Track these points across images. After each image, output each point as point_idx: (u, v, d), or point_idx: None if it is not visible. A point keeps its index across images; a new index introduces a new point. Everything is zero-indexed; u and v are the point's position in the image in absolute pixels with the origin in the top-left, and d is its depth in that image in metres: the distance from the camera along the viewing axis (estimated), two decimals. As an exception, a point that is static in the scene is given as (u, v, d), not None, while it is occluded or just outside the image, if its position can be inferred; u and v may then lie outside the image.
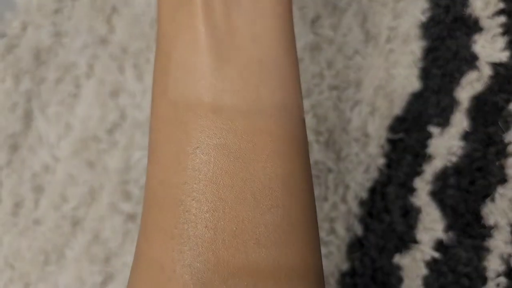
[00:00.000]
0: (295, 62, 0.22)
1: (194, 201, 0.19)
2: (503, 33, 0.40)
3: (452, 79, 0.40)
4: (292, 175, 0.20)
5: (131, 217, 0.41)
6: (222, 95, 0.20)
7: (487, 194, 0.37)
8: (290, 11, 0.23)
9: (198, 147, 0.19)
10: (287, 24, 0.22)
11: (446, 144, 0.38)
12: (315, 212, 0.21)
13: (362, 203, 0.38)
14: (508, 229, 0.37)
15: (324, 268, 0.38)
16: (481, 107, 0.39)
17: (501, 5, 0.40)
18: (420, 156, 0.39)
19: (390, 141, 0.39)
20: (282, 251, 0.19)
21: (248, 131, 0.20)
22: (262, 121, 0.20)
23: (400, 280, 0.37)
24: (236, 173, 0.19)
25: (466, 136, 0.38)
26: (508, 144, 0.38)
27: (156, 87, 0.22)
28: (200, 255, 0.18)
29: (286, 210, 0.19)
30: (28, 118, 0.45)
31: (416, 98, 0.40)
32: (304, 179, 0.21)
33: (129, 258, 0.41)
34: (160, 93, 0.21)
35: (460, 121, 0.39)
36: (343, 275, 0.37)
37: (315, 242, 0.21)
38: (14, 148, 0.44)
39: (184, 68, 0.21)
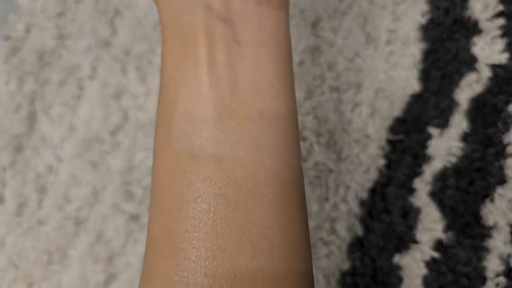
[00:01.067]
0: (293, 112, 0.23)
1: (194, 249, 0.19)
2: (502, 35, 0.40)
3: (452, 80, 0.40)
4: (290, 223, 0.21)
5: (133, 217, 0.42)
6: (223, 146, 0.21)
7: (486, 194, 0.38)
8: (290, 61, 0.23)
9: (199, 196, 0.20)
10: (287, 74, 0.23)
11: (445, 145, 0.39)
12: (311, 258, 0.22)
13: (362, 203, 0.39)
14: (508, 229, 0.37)
15: (324, 267, 0.38)
16: (481, 109, 0.39)
17: (501, 7, 0.41)
18: (420, 157, 0.39)
19: (390, 142, 0.40)
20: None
21: (247, 181, 0.20)
22: (262, 171, 0.21)
23: (400, 279, 0.37)
24: (235, 222, 0.20)
25: (465, 137, 0.39)
26: (507, 145, 0.38)
27: (159, 133, 0.22)
28: None
29: (283, 258, 0.20)
30: (32, 119, 0.46)
31: (416, 100, 0.40)
32: (302, 228, 0.21)
33: (131, 258, 0.41)
34: (163, 139, 0.22)
35: (459, 123, 0.39)
36: (344, 274, 0.38)
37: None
38: (18, 149, 0.45)
39: (187, 118, 0.21)
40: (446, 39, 0.41)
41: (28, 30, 0.48)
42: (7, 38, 0.48)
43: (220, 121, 0.21)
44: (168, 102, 0.22)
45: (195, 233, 0.20)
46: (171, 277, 0.20)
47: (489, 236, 0.37)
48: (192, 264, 0.19)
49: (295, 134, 0.22)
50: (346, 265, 0.38)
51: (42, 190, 0.44)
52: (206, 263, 0.19)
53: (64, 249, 0.42)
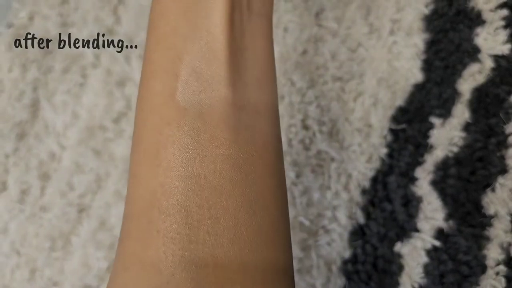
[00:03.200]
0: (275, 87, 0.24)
1: (197, 208, 0.19)
2: (506, 26, 0.40)
3: (454, 71, 0.40)
4: (280, 186, 0.22)
5: (136, 204, 0.42)
6: (232, 107, 0.21)
7: (487, 184, 0.38)
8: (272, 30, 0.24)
9: (206, 155, 0.20)
10: (272, 49, 0.24)
11: (447, 135, 0.39)
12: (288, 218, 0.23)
13: (364, 192, 0.39)
14: (508, 218, 0.37)
15: (326, 255, 0.38)
16: (483, 99, 0.39)
17: (504, -1, 0.41)
18: (422, 146, 0.39)
19: (393, 132, 0.40)
20: (271, 253, 0.20)
21: (251, 145, 0.21)
22: (261, 137, 0.21)
23: (401, 267, 0.37)
24: (238, 182, 0.20)
25: (467, 127, 0.39)
26: (509, 135, 0.38)
27: (159, 84, 0.21)
28: (201, 260, 0.19)
29: (275, 217, 0.21)
30: (34, 107, 0.46)
31: (419, 90, 0.40)
32: (285, 190, 0.22)
33: (134, 245, 0.41)
34: (166, 93, 0.21)
35: (461, 113, 0.39)
36: (345, 262, 0.38)
37: (289, 245, 0.22)
38: (21, 136, 0.45)
39: (197, 75, 0.21)
40: (449, 30, 0.41)
41: (31, 18, 0.48)
42: (10, 25, 0.48)
43: (231, 82, 0.21)
44: (173, 54, 0.21)
45: (200, 192, 0.20)
46: (171, 235, 0.19)
47: (490, 225, 0.37)
48: (195, 222, 0.19)
49: (277, 106, 0.24)
50: (347, 253, 0.38)
51: (45, 177, 0.44)
52: (209, 222, 0.19)
53: (67, 235, 0.42)
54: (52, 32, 0.47)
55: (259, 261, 0.20)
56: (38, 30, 0.48)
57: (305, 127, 0.41)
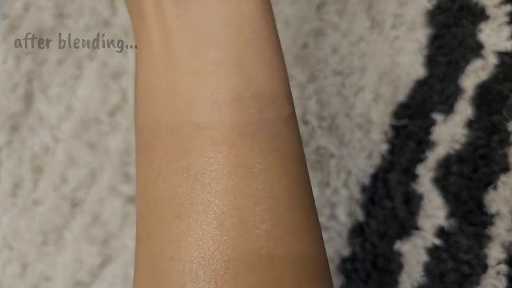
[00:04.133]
0: (268, 51, 0.20)
1: (158, 233, 0.18)
2: (510, 22, 0.40)
3: (457, 67, 0.40)
4: (267, 188, 0.18)
5: (131, 199, 0.41)
6: (177, 113, 0.19)
7: (489, 182, 0.37)
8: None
9: (159, 173, 0.19)
10: (251, 6, 0.20)
11: (449, 132, 0.38)
12: (314, 223, 0.20)
13: (364, 189, 0.38)
14: (510, 217, 0.37)
15: (324, 253, 0.38)
16: (486, 96, 0.39)
17: (508, -6, 0.40)
18: (424, 143, 0.38)
19: (394, 128, 0.39)
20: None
21: (205, 147, 0.18)
22: (220, 133, 0.18)
23: (400, 266, 0.37)
24: (196, 197, 0.18)
25: (470, 124, 0.38)
26: (512, 132, 0.38)
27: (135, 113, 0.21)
28: (169, 281, 0.17)
29: (261, 230, 0.18)
30: (28, 98, 0.45)
31: (421, 85, 0.40)
32: (287, 191, 0.19)
33: (128, 240, 0.41)
34: (135, 119, 0.21)
35: (464, 109, 0.39)
36: (344, 260, 0.37)
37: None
38: (14, 128, 0.44)
39: (144, 89, 0.20)
40: (453, 25, 0.41)
41: (26, 8, 0.47)
42: (5, 16, 0.47)
43: (174, 84, 0.19)
44: (135, 80, 0.21)
45: (158, 215, 0.18)
46: (144, 266, 0.19)
47: (492, 223, 0.37)
48: (159, 249, 0.18)
49: (272, 79, 0.20)
50: (346, 251, 0.38)
51: (38, 170, 0.43)
52: (171, 246, 0.18)
53: (59, 230, 0.41)
54: (48, 23, 0.46)
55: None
56: (34, 21, 0.47)
57: (305, 122, 0.40)
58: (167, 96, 0.19)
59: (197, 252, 0.17)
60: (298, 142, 0.20)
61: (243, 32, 0.19)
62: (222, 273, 0.17)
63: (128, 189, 0.41)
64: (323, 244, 0.20)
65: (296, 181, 0.19)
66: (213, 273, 0.17)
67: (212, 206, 0.18)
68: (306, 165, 0.20)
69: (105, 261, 0.41)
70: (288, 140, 0.19)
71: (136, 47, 0.21)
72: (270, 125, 0.19)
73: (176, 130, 0.18)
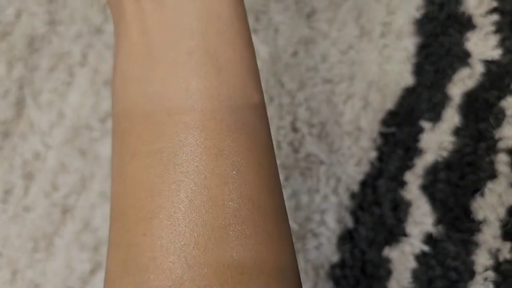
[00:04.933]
0: (238, 44, 0.21)
1: (132, 209, 0.19)
2: (496, 31, 0.40)
3: (445, 75, 0.40)
4: (235, 169, 0.19)
5: (122, 205, 0.41)
6: (152, 99, 0.20)
7: (476, 189, 0.38)
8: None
9: (134, 155, 0.20)
10: (220, 4, 0.21)
11: (437, 139, 0.39)
12: (280, 209, 0.20)
13: (353, 195, 0.39)
14: (497, 224, 0.37)
15: (314, 259, 0.38)
16: (473, 104, 0.39)
17: (494, 4, 0.41)
18: (412, 150, 0.39)
19: (382, 135, 0.40)
20: (231, 252, 0.18)
21: (177, 131, 0.19)
22: (192, 118, 0.19)
23: (389, 272, 0.37)
24: (168, 177, 0.19)
25: (457, 132, 0.39)
26: (498, 140, 0.38)
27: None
28: (139, 264, 0.18)
29: (230, 208, 0.19)
30: (20, 105, 0.45)
31: (409, 93, 0.40)
32: (254, 173, 0.20)
33: (119, 247, 0.41)
34: (111, 106, 0.22)
35: (451, 117, 0.39)
36: (333, 266, 0.38)
37: (277, 241, 0.20)
38: (5, 135, 0.44)
39: (123, 79, 0.21)
40: (440, 34, 0.41)
41: (18, 15, 0.47)
42: (-4, 22, 0.47)
43: (149, 72, 0.20)
44: (113, 70, 0.22)
45: (132, 193, 0.19)
46: (117, 242, 0.19)
47: (479, 230, 0.37)
48: (132, 225, 0.19)
49: (240, 68, 0.21)
50: (335, 257, 0.38)
51: (29, 177, 0.43)
52: (144, 222, 0.18)
53: (50, 237, 0.41)
54: (39, 30, 0.46)
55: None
56: (26, 27, 0.47)
57: (294, 130, 0.40)
58: (142, 84, 0.20)
59: (168, 228, 0.18)
60: (266, 129, 0.21)
61: (213, 24, 0.21)
62: (192, 247, 0.18)
63: (119, 195, 0.41)
64: (288, 223, 0.21)
65: (263, 165, 0.20)
66: (182, 248, 0.18)
67: (183, 185, 0.19)
68: (273, 151, 0.21)
69: (96, 268, 0.41)
70: (256, 127, 0.20)
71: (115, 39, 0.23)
72: (239, 112, 0.20)
73: (150, 116, 0.20)
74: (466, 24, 0.41)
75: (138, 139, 0.20)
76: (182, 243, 0.18)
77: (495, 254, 0.37)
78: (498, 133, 0.38)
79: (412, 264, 0.37)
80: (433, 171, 0.38)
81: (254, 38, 0.40)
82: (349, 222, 0.38)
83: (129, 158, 0.20)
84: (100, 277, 0.40)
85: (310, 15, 0.43)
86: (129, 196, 0.19)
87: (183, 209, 0.18)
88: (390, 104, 0.40)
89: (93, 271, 0.41)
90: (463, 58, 0.40)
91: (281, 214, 0.20)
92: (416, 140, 0.39)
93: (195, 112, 0.19)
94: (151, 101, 0.20)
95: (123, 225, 0.19)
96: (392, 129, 0.39)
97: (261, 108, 0.21)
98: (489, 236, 0.37)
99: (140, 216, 0.19)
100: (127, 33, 0.21)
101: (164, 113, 0.19)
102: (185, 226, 0.18)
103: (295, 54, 0.42)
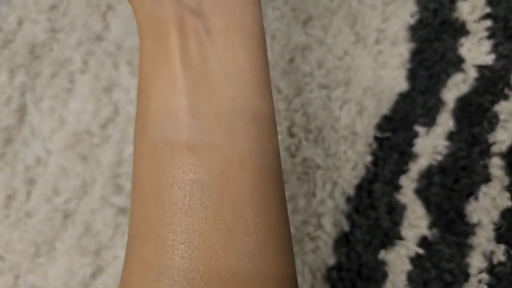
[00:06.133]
0: (268, 98, 0.23)
1: (171, 233, 0.20)
2: (489, 37, 0.41)
3: (439, 80, 0.41)
4: (265, 204, 0.21)
5: (122, 210, 0.42)
6: (196, 133, 0.21)
7: (470, 192, 0.38)
8: (263, 47, 0.24)
9: (174, 182, 0.21)
10: (260, 60, 0.23)
11: (431, 143, 0.39)
12: (290, 239, 0.23)
13: (349, 199, 0.39)
14: (491, 227, 0.38)
15: (311, 262, 0.39)
16: (467, 108, 0.40)
17: (488, 9, 0.41)
18: (406, 155, 0.39)
19: (378, 140, 0.40)
20: (256, 281, 0.20)
21: (221, 165, 0.21)
22: (235, 155, 0.21)
23: (385, 275, 0.38)
24: (209, 205, 0.20)
25: (451, 136, 0.39)
26: (492, 144, 0.39)
27: (137, 125, 0.23)
28: (176, 283, 0.19)
29: (259, 238, 0.21)
30: (22, 111, 0.46)
31: (404, 98, 0.41)
32: (277, 207, 0.22)
33: (119, 251, 0.41)
34: (141, 131, 0.23)
35: (445, 121, 0.40)
36: (330, 269, 0.38)
37: (289, 271, 0.22)
38: (7, 141, 0.45)
39: (162, 108, 0.22)
40: (434, 40, 0.42)
41: (20, 22, 0.48)
42: (-2, 30, 0.48)
43: (193, 109, 0.21)
44: (144, 96, 0.23)
45: (171, 218, 0.20)
46: (150, 261, 0.20)
47: (473, 233, 0.38)
48: (169, 247, 0.20)
49: (271, 119, 0.23)
50: (332, 260, 0.38)
51: (30, 182, 0.44)
52: (182, 246, 0.20)
53: (51, 241, 0.42)
54: (40, 37, 0.47)
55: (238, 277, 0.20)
56: (27, 35, 0.48)
57: (291, 135, 0.41)
58: (187, 117, 0.21)
59: (206, 252, 0.20)
60: (281, 172, 0.24)
61: (254, 77, 0.23)
62: (226, 271, 0.20)
63: (120, 200, 0.42)
64: (290, 237, 0.23)
65: (283, 202, 0.23)
66: (217, 272, 0.20)
67: (222, 213, 0.20)
68: (283, 187, 0.24)
69: (97, 272, 0.41)
70: (278, 169, 0.23)
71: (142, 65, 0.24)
72: (268, 155, 0.22)
73: (194, 148, 0.21)
74: (460, 30, 0.42)
75: (179, 168, 0.21)
76: (217, 268, 0.20)
77: (489, 256, 0.37)
78: (491, 137, 0.39)
79: (408, 266, 0.38)
80: (427, 175, 0.39)
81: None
82: (345, 226, 0.39)
83: (169, 185, 0.21)
84: (100, 280, 0.41)
85: (306, 22, 0.44)
86: (167, 220, 0.21)
87: (220, 236, 0.20)
88: (385, 109, 0.41)
89: (94, 275, 0.41)
90: (457, 63, 0.41)
91: (289, 237, 0.23)
92: (411, 144, 0.40)
93: (236, 150, 0.21)
94: (195, 135, 0.21)
95: (158, 246, 0.20)
96: (387, 134, 0.40)
97: (279, 155, 0.24)
98: (483, 239, 0.37)
99: (179, 239, 0.20)
100: (170, 67, 0.22)
101: (208, 147, 0.21)
102: (221, 252, 0.20)
103: (291, 60, 0.43)
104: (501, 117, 0.39)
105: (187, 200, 0.20)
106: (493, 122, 0.39)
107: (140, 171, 0.22)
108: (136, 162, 0.23)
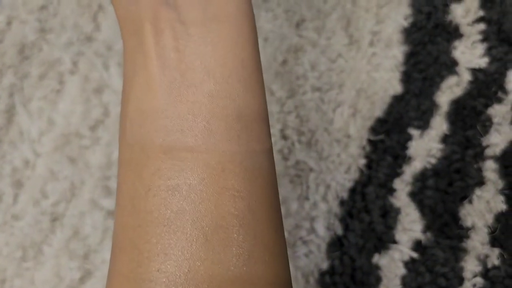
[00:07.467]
0: (256, 93, 0.21)
1: (147, 244, 0.19)
2: (483, 40, 0.41)
3: (433, 83, 0.41)
4: (251, 211, 0.20)
5: (111, 213, 0.41)
6: (171, 135, 0.20)
7: (465, 196, 0.38)
8: (248, 36, 0.22)
9: (150, 189, 0.19)
10: (244, 52, 0.21)
11: (425, 146, 0.39)
12: (282, 246, 0.21)
13: (342, 202, 0.39)
14: (485, 230, 0.37)
15: (304, 267, 0.38)
16: (460, 111, 0.40)
17: (481, 13, 0.41)
18: (400, 158, 0.39)
19: (371, 142, 0.40)
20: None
21: (199, 169, 0.19)
22: (215, 158, 0.20)
23: (378, 279, 0.37)
24: (186, 214, 0.19)
25: (445, 139, 0.39)
26: (486, 147, 0.39)
27: (119, 130, 0.22)
28: None
29: (244, 249, 0.19)
30: (10, 112, 0.45)
31: (397, 101, 0.41)
32: (267, 213, 0.20)
33: (108, 255, 0.41)
34: (121, 136, 0.22)
35: (439, 124, 0.39)
36: (323, 274, 0.38)
37: (279, 280, 0.20)
38: (-6, 142, 0.44)
39: (138, 110, 0.21)
40: (428, 43, 0.42)
41: (9, 22, 0.47)
42: (-13, 30, 0.47)
43: (168, 109, 0.20)
44: (124, 98, 0.22)
45: (147, 228, 0.19)
46: (126, 274, 0.19)
47: (467, 237, 0.37)
48: (145, 259, 0.19)
49: (257, 115, 0.21)
50: (325, 265, 0.38)
51: (18, 185, 0.43)
52: (159, 258, 0.19)
53: (39, 245, 0.41)
54: (30, 37, 0.47)
55: None
56: (16, 35, 0.47)
57: (284, 137, 0.41)
58: (161, 118, 0.20)
59: (183, 265, 0.18)
60: (274, 172, 0.22)
61: (237, 71, 0.21)
62: (206, 286, 0.18)
63: (109, 203, 0.41)
64: (286, 248, 0.22)
65: (274, 207, 0.21)
66: (196, 286, 0.18)
67: (200, 223, 0.19)
68: (278, 192, 0.22)
69: (85, 276, 0.40)
70: (269, 170, 0.21)
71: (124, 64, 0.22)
72: (256, 156, 0.21)
73: (170, 151, 0.20)
74: (454, 33, 0.41)
75: (155, 173, 0.20)
76: (197, 281, 0.18)
77: (483, 260, 0.37)
78: (485, 140, 0.39)
79: (402, 270, 0.37)
80: (421, 178, 0.38)
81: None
82: (339, 229, 0.38)
83: (145, 193, 0.20)
84: (89, 285, 0.40)
85: (299, 24, 0.43)
86: (143, 230, 0.19)
87: (199, 247, 0.19)
88: (379, 111, 0.40)
89: (82, 279, 0.40)
90: (451, 66, 0.41)
91: (281, 243, 0.21)
92: (404, 147, 0.39)
93: (216, 153, 0.20)
94: (171, 136, 0.20)
95: (134, 258, 0.19)
96: (381, 137, 0.40)
97: (271, 153, 0.22)
98: (477, 243, 0.37)
99: (155, 250, 0.19)
100: (146, 66, 0.21)
101: (185, 150, 0.20)
102: (201, 264, 0.18)
103: (284, 62, 0.42)
104: (495, 120, 0.39)
105: (163, 208, 0.19)
106: (486, 125, 0.39)
107: (119, 177, 0.21)
108: (118, 168, 0.22)
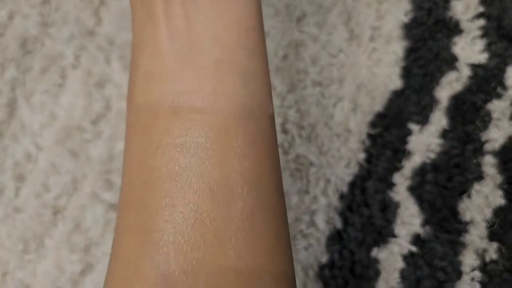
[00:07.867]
0: (259, 58, 0.23)
1: (155, 198, 0.20)
2: (482, 36, 0.41)
3: (433, 78, 0.41)
4: (254, 173, 0.21)
5: (112, 206, 0.41)
6: (180, 97, 0.21)
7: (463, 190, 0.38)
8: (254, 7, 0.23)
9: (158, 147, 0.20)
10: (250, 21, 0.23)
11: (425, 141, 0.39)
12: (283, 213, 0.22)
13: (342, 197, 0.39)
14: (484, 225, 0.38)
15: (303, 260, 0.38)
16: (460, 106, 0.40)
17: (481, 9, 0.42)
18: (400, 152, 0.39)
19: (371, 137, 0.40)
20: (242, 248, 0.19)
21: (205, 128, 0.20)
22: (219, 118, 0.21)
23: (377, 273, 0.37)
24: (193, 169, 0.20)
25: (444, 134, 0.39)
26: (485, 142, 0.39)
27: (128, 96, 0.23)
28: (161, 248, 0.19)
29: (247, 204, 0.20)
30: (11, 106, 0.45)
31: (397, 96, 0.41)
32: (269, 175, 0.21)
33: (109, 249, 0.41)
34: (129, 101, 0.23)
35: (439, 119, 0.40)
36: (322, 267, 0.38)
37: (282, 244, 0.21)
38: (-4, 136, 0.44)
39: (146, 75, 0.22)
40: (428, 38, 0.42)
41: (11, 17, 0.48)
42: (-11, 24, 0.47)
43: (177, 72, 0.21)
44: (133, 65, 0.23)
45: (154, 183, 0.20)
46: (134, 228, 0.20)
47: (466, 231, 0.38)
48: (153, 212, 0.19)
49: (262, 82, 0.22)
50: (324, 258, 0.38)
51: (20, 178, 0.43)
52: (166, 210, 0.19)
53: (40, 237, 0.41)
54: (32, 32, 0.47)
55: (224, 257, 0.19)
56: (18, 29, 0.47)
57: (285, 131, 0.41)
58: (170, 81, 0.21)
59: (190, 216, 0.19)
60: (275, 139, 0.23)
61: (242, 40, 0.22)
62: (211, 236, 0.19)
63: (110, 196, 0.41)
64: (288, 230, 0.22)
65: (275, 170, 0.22)
66: (202, 236, 0.19)
67: (206, 177, 0.20)
68: (279, 160, 0.23)
69: (86, 269, 0.41)
70: (271, 135, 0.22)
71: (133, 32, 0.24)
72: (259, 120, 0.22)
73: (178, 112, 0.21)
74: (454, 29, 0.42)
75: (162, 133, 0.21)
76: (202, 231, 0.19)
77: (481, 254, 0.37)
78: (484, 136, 0.39)
79: (400, 264, 0.37)
80: (421, 173, 0.39)
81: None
82: (338, 223, 0.39)
83: (153, 151, 0.20)
84: (90, 278, 0.41)
85: (300, 19, 0.44)
86: (151, 185, 0.20)
87: (206, 199, 0.19)
88: (379, 106, 0.41)
89: (83, 272, 0.41)
90: (451, 62, 0.41)
91: (284, 221, 0.22)
92: (404, 142, 0.40)
93: (222, 114, 0.21)
94: (179, 98, 0.21)
95: (142, 212, 0.20)
96: (381, 131, 0.40)
97: (273, 119, 0.23)
98: (475, 237, 0.37)
99: (162, 204, 0.19)
100: (155, 34, 0.22)
101: (193, 111, 0.21)
102: (206, 216, 0.19)
103: (285, 57, 0.43)
104: (494, 115, 0.39)
105: (171, 164, 0.20)
106: (486, 120, 0.39)
107: (126, 139, 0.22)
108: (126, 131, 0.23)
